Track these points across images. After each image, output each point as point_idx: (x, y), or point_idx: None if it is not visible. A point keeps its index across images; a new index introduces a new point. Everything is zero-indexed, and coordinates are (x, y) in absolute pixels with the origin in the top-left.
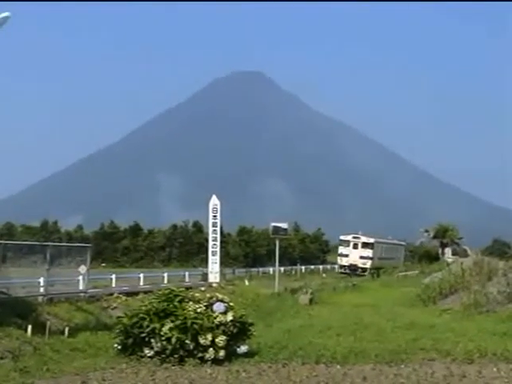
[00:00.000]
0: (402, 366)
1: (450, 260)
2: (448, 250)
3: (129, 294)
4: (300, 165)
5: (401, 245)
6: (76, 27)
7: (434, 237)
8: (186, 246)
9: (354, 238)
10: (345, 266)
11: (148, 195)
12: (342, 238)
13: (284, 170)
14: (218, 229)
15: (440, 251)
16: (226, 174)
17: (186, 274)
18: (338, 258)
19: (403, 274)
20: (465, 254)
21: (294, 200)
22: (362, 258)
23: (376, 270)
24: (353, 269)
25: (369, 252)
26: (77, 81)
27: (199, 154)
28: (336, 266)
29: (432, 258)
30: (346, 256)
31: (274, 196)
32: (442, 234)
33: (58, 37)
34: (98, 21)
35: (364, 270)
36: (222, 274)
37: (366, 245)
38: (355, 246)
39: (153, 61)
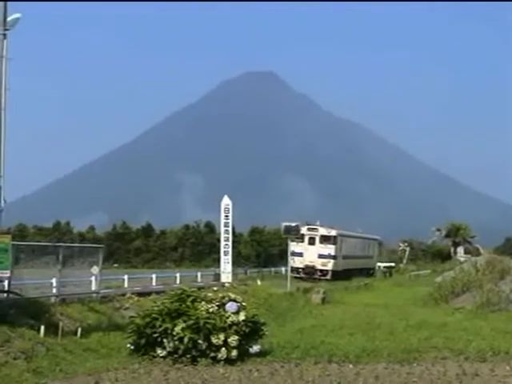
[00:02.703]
0: (415, 365)
1: (462, 259)
2: (460, 249)
3: (141, 295)
4: (318, 164)
5: (374, 239)
6: (92, 27)
7: (446, 236)
8: (198, 246)
9: (310, 229)
10: (299, 268)
11: (167, 195)
12: None
13: (302, 169)
14: (230, 229)
15: (452, 250)
16: (242, 173)
17: (198, 274)
18: (290, 258)
19: (415, 273)
20: (477, 253)
21: (312, 199)
22: (321, 256)
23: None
24: (309, 272)
25: (330, 248)
26: (88, 81)
27: (216, 154)
28: None
29: (444, 257)
30: (300, 255)
31: (292, 195)
32: (454, 233)
33: (75, 35)
34: (114, 22)
35: (324, 272)
36: (234, 274)
37: (325, 239)
38: (311, 241)
39: (163, 61)
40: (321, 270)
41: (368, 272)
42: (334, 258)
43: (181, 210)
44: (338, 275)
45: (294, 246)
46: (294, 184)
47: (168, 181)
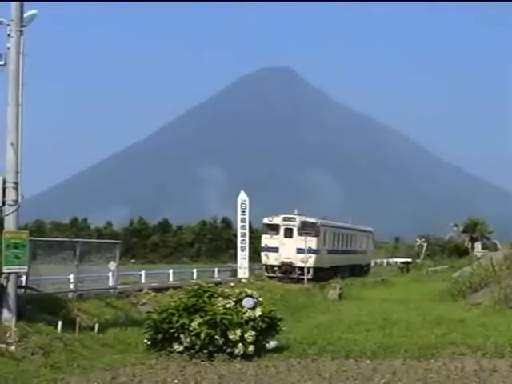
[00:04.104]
0: (432, 361)
1: (479, 254)
2: (478, 245)
3: (158, 290)
4: (339, 158)
5: (368, 232)
6: (106, 24)
7: (464, 231)
8: (214, 241)
9: (286, 219)
10: (273, 266)
11: (190, 189)
12: (266, 221)
13: (324, 164)
14: (247, 224)
15: (469, 245)
16: (264, 168)
17: (215, 269)
18: (263, 254)
19: (433, 268)
20: (495, 248)
21: (335, 193)
22: (300, 251)
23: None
24: (286, 270)
25: (311, 241)
26: (105, 79)
27: (236, 149)
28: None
29: (461, 252)
30: (275, 250)
31: (314, 189)
32: (472, 229)
33: (88, 32)
34: (129, 18)
35: (304, 271)
36: (251, 270)
37: (305, 229)
38: (288, 233)
39: (179, 58)
40: (300, 268)
41: (362, 269)
42: (315, 252)
43: (204, 204)
44: (322, 274)
45: (267, 240)
46: (317, 178)
47: (190, 176)
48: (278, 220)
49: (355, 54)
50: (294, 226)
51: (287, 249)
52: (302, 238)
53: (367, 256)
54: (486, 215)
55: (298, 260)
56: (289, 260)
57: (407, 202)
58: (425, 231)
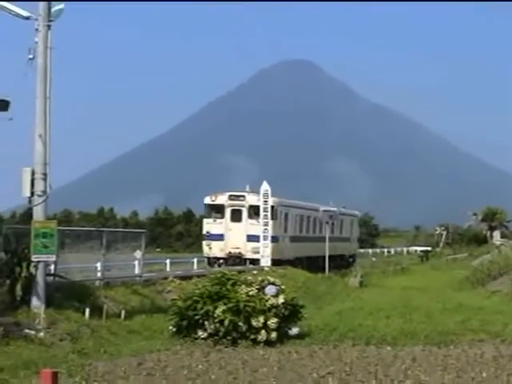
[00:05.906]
0: (452, 347)
1: (498, 243)
2: (496, 233)
3: (183, 278)
4: (364, 148)
5: (350, 215)
6: (127, 17)
7: (483, 220)
8: None
9: (233, 198)
10: (218, 258)
11: (220, 179)
12: (207, 200)
13: (348, 155)
14: (269, 214)
15: (488, 234)
16: (290, 159)
17: None
18: (204, 244)
19: (452, 256)
20: None
21: (361, 183)
22: (251, 239)
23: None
24: (234, 263)
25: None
26: (128, 72)
27: (260, 141)
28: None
29: (480, 241)
30: (220, 238)
31: (341, 179)
32: (491, 217)
33: (111, 26)
34: (146, 10)
35: (258, 264)
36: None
37: (257, 211)
38: (236, 216)
39: (199, 50)
40: (252, 261)
41: (344, 261)
42: (273, 240)
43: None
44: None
45: (209, 225)
46: (342, 168)
47: (218, 166)
48: (222, 199)
49: (373, 47)
50: (242, 205)
51: (235, 236)
52: (254, 221)
53: (351, 244)
54: (505, 204)
55: (248, 250)
56: (237, 250)
57: (428, 191)
58: (444, 220)
